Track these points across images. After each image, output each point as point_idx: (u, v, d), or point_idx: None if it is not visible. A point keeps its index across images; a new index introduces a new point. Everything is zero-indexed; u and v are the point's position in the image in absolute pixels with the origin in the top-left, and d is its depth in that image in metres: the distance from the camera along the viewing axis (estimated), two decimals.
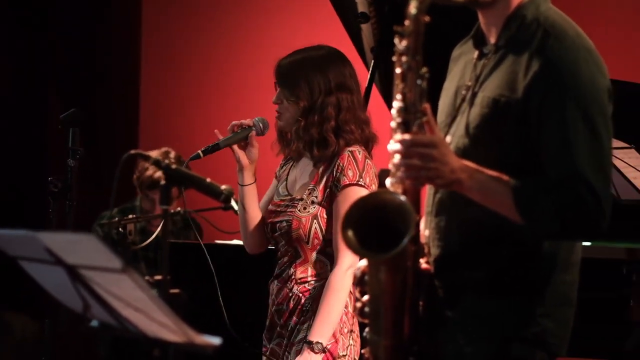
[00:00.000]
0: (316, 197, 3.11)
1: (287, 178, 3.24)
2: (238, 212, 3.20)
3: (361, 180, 3.07)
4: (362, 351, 2.29)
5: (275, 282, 3.17)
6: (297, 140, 3.15)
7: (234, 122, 3.17)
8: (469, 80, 2.28)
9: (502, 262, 2.20)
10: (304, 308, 3.09)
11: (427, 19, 2.14)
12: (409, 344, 2.19)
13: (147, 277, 2.11)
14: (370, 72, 3.89)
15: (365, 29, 3.99)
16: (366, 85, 3.81)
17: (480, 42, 2.30)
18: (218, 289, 3.12)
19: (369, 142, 3.18)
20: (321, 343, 3.01)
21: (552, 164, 2.13)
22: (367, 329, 2.24)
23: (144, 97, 5.97)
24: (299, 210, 3.11)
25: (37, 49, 6.04)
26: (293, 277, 3.11)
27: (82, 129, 3.34)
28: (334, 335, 3.06)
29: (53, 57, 6.07)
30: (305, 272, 3.11)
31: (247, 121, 3.17)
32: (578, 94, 2.13)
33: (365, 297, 2.22)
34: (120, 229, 3.30)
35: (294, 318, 3.10)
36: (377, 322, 2.19)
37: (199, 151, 3.09)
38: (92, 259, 1.98)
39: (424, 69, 2.14)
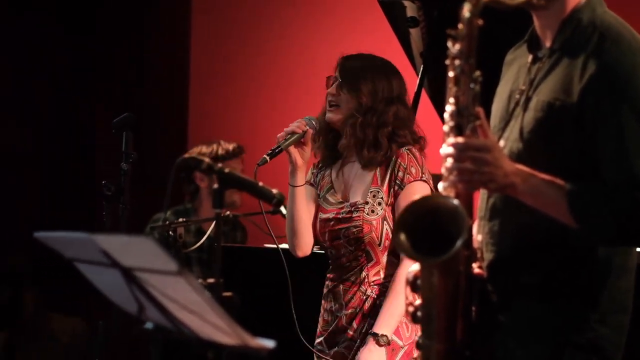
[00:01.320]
0: (382, 198, 3.12)
1: (331, 185, 3.24)
2: (286, 215, 3.21)
3: (423, 175, 3.11)
4: (415, 356, 2.29)
5: (341, 286, 3.15)
6: (351, 136, 3.14)
7: (291, 126, 3.16)
8: (523, 84, 2.27)
9: (554, 267, 2.18)
10: (378, 310, 3.08)
11: (480, 22, 2.13)
12: (462, 349, 2.18)
13: (200, 280, 2.12)
14: (419, 76, 3.88)
15: (415, 33, 3.98)
16: (415, 89, 3.81)
17: (534, 45, 2.29)
18: (291, 293, 3.10)
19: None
20: (386, 336, 3.03)
21: (607, 168, 2.11)
22: (419, 333, 2.24)
23: (192, 101, 6.01)
24: (367, 214, 3.11)
25: (85, 53, 6.09)
26: (366, 280, 3.12)
27: (133, 132, 3.38)
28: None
29: (101, 61, 6.13)
30: (378, 275, 3.13)
31: (301, 121, 3.17)
32: (634, 96, 2.11)
33: (418, 301, 2.22)
34: (170, 232, 3.33)
35: (370, 320, 3.09)
36: (430, 326, 2.18)
37: (265, 156, 3.10)
38: (148, 262, 1.99)
39: (477, 73, 2.14)
